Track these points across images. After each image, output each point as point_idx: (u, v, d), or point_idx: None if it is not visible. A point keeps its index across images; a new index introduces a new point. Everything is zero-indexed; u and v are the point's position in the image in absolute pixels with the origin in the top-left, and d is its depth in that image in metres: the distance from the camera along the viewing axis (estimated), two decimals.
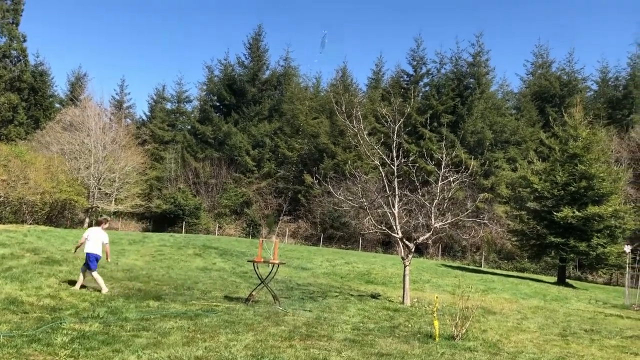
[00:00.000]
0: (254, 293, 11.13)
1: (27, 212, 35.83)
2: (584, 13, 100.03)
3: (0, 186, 32.97)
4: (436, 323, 8.55)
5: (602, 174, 27.19)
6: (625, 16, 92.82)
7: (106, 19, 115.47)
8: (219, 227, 49.04)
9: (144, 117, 64.28)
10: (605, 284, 35.43)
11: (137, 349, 5.98)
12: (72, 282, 10.57)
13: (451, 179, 13.87)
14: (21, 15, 51.08)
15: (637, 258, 19.55)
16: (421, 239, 13.89)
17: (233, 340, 6.91)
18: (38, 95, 54.17)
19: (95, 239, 10.37)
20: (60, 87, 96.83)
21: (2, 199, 33.53)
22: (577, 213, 26.18)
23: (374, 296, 13.60)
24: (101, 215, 10.93)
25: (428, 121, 45.98)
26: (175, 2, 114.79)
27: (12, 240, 15.74)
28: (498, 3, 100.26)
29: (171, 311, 8.76)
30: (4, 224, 30.73)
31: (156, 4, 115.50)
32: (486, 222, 15.98)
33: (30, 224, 33.81)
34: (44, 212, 37.62)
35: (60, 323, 6.90)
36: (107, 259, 10.85)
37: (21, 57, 51.44)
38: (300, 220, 50.25)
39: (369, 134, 14.51)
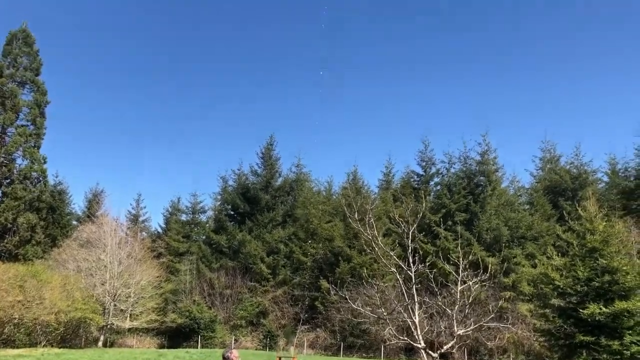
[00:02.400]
0: None
1: (41, 332, 35.30)
2: (587, 109, 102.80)
3: (16, 307, 32.81)
4: None
5: (625, 267, 26.44)
6: (629, 110, 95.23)
7: (123, 137, 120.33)
8: (235, 339, 47.73)
9: (160, 230, 64.98)
10: None
11: None
12: None
13: (470, 283, 13.61)
14: (42, 139, 53.48)
15: None
16: (445, 347, 13.41)
17: None
18: (56, 213, 55.41)
19: None
20: (77, 204, 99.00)
21: (17, 320, 33.22)
22: (604, 309, 25.20)
23: None
24: None
25: (442, 220, 45.97)
26: (186, 118, 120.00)
27: None
28: (501, 104, 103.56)
29: None
30: (17, 348, 30.22)
31: (168, 117, 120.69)
32: (509, 325, 15.42)
33: (44, 345, 33.25)
34: (58, 332, 37.04)
35: None
36: None
37: (41, 178, 53.18)
38: (318, 329, 48.83)
39: (384, 235, 14.50)
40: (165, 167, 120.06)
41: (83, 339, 41.56)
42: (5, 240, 49.11)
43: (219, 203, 64.47)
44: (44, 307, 34.65)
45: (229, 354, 10.88)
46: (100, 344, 42.28)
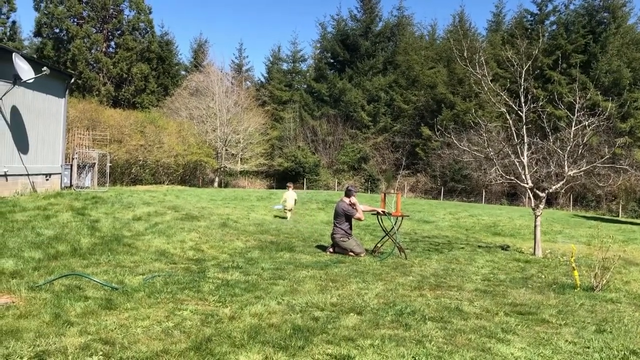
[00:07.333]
0: (379, 245, 11.29)
1: (163, 173, 38.87)
2: None
3: (139, 150, 35.99)
4: (575, 273, 8.13)
5: None
6: None
7: None
8: (338, 182, 49.94)
9: (262, 79, 66.45)
10: None
11: (277, 296, 6.34)
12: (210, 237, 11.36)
13: (586, 123, 12.82)
14: None
15: None
16: (553, 187, 13.12)
17: (364, 289, 7.07)
18: (165, 64, 57.77)
19: None
20: (184, 54, 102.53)
21: (141, 162, 36.62)
22: None
23: (503, 248, 13.19)
24: None
25: (560, 62, 42.68)
26: None
27: (154, 199, 17.13)
28: None
29: (303, 261, 9.16)
30: (144, 185, 33.69)
31: None
32: (626, 167, 14.65)
33: (167, 184, 36.75)
34: (178, 173, 40.59)
35: (158, 275, 7.30)
36: None
37: (148, 29, 54.96)
38: (419, 174, 49.71)
39: (492, 81, 13.73)
40: (265, 15, 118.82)
41: (200, 180, 45.43)
42: (123, 90, 52.63)
43: (318, 51, 64.00)
44: (164, 150, 37.79)
45: (351, 193, 11.20)
46: (215, 184, 46.11)
